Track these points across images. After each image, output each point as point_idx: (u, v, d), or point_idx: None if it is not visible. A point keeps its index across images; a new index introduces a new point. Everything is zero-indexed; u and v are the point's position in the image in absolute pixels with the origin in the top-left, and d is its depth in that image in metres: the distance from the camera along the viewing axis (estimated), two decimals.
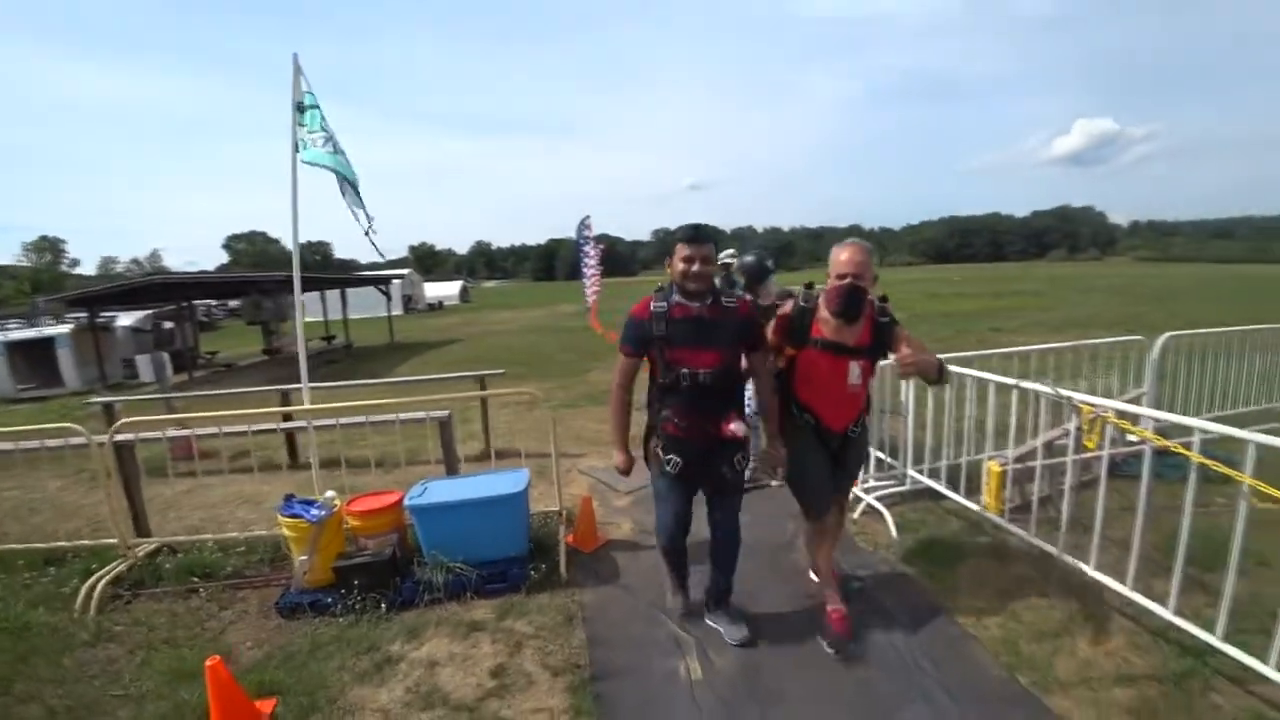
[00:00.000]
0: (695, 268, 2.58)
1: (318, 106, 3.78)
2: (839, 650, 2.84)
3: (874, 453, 4.53)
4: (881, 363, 3.15)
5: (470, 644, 2.97)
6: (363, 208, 3.90)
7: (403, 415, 4.28)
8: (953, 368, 3.90)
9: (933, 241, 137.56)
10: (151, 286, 13.76)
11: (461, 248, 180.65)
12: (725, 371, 2.67)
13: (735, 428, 2.65)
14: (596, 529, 4.06)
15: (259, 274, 18.14)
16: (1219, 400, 5.82)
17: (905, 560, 3.68)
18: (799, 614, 3.18)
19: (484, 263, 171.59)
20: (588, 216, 21.14)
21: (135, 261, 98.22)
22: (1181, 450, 2.76)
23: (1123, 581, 2.95)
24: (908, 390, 4.44)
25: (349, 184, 3.84)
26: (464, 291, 50.54)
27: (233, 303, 31.84)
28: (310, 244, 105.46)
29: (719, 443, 2.72)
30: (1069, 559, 3.27)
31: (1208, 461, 2.56)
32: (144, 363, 12.96)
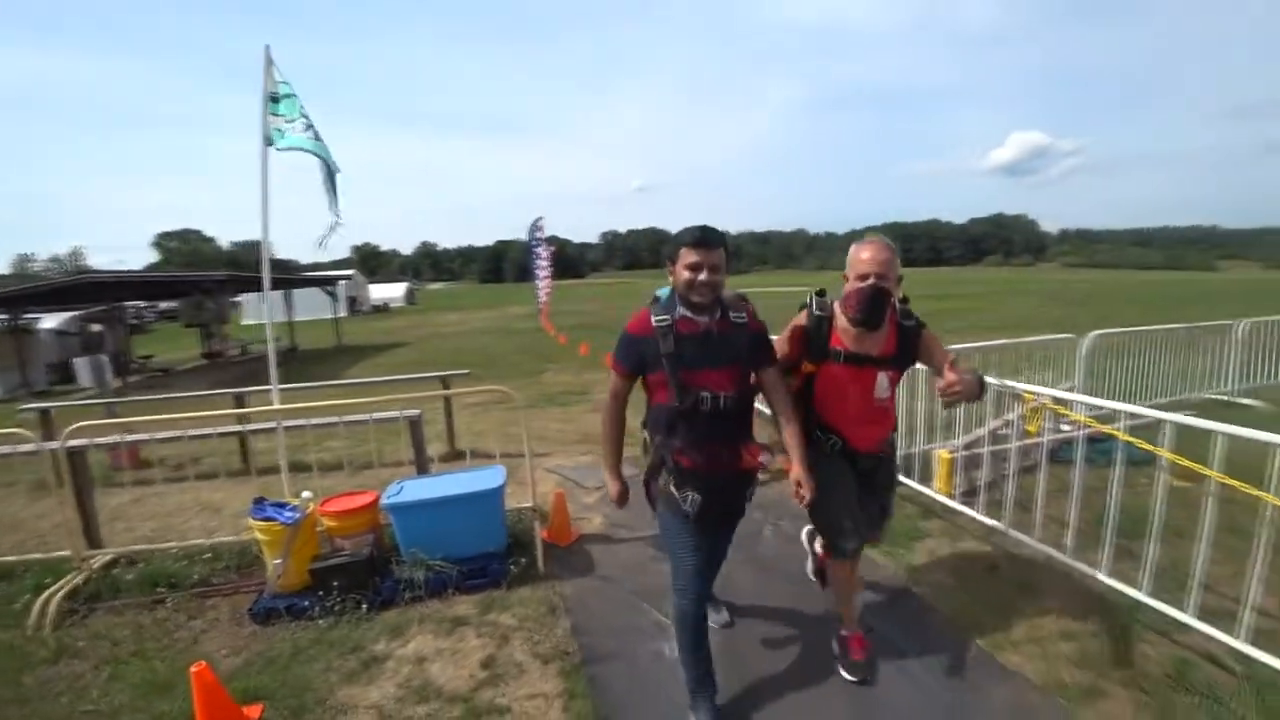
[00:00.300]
0: (703, 276, 2.19)
1: (295, 95, 3.75)
2: (864, 677, 2.69)
3: None
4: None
5: (456, 639, 3.02)
6: (337, 202, 3.87)
7: (375, 415, 4.28)
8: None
9: None
10: (80, 286, 13.06)
11: (406, 249, 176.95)
12: (744, 394, 2.35)
13: (764, 459, 2.32)
14: (570, 524, 4.15)
15: (200, 274, 17.43)
16: (1140, 392, 6.37)
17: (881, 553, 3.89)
18: (776, 597, 3.36)
19: (430, 264, 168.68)
20: (540, 218, 21.06)
21: (55, 260, 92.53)
22: (1112, 432, 3.14)
23: (1062, 552, 3.32)
24: None
25: (329, 173, 3.80)
26: (410, 293, 49.55)
27: (164, 304, 30.44)
28: (248, 243, 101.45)
29: (737, 475, 2.38)
30: (1015, 534, 3.62)
31: (1134, 440, 2.98)
32: (83, 366, 12.32)
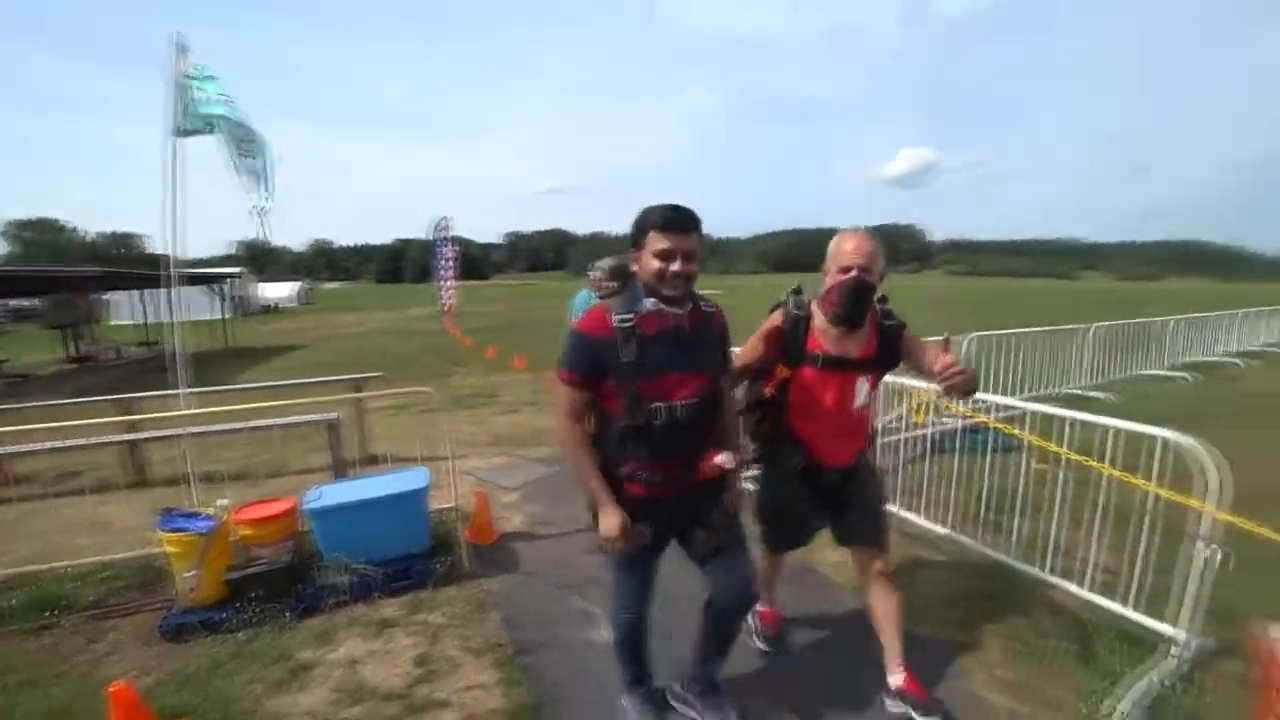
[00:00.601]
0: (676, 266, 1.90)
1: (216, 78, 3.63)
2: (773, 649, 2.90)
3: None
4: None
5: (386, 640, 3.04)
6: (265, 179, 3.71)
7: (292, 419, 4.17)
8: None
9: (776, 251, 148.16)
10: None
11: (299, 245, 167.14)
12: (707, 401, 2.07)
13: (722, 459, 2.07)
14: (492, 523, 4.21)
15: (71, 269, 15.74)
16: (1013, 386, 7.15)
17: None
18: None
19: (324, 263, 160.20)
20: (446, 217, 20.62)
21: None
22: (987, 421, 3.66)
23: (945, 527, 3.84)
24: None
25: (250, 149, 3.66)
26: (304, 293, 47.01)
27: (15, 302, 27.46)
28: (115, 236, 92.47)
29: (700, 485, 2.13)
30: (904, 514, 4.12)
31: (1003, 427, 3.52)
32: None
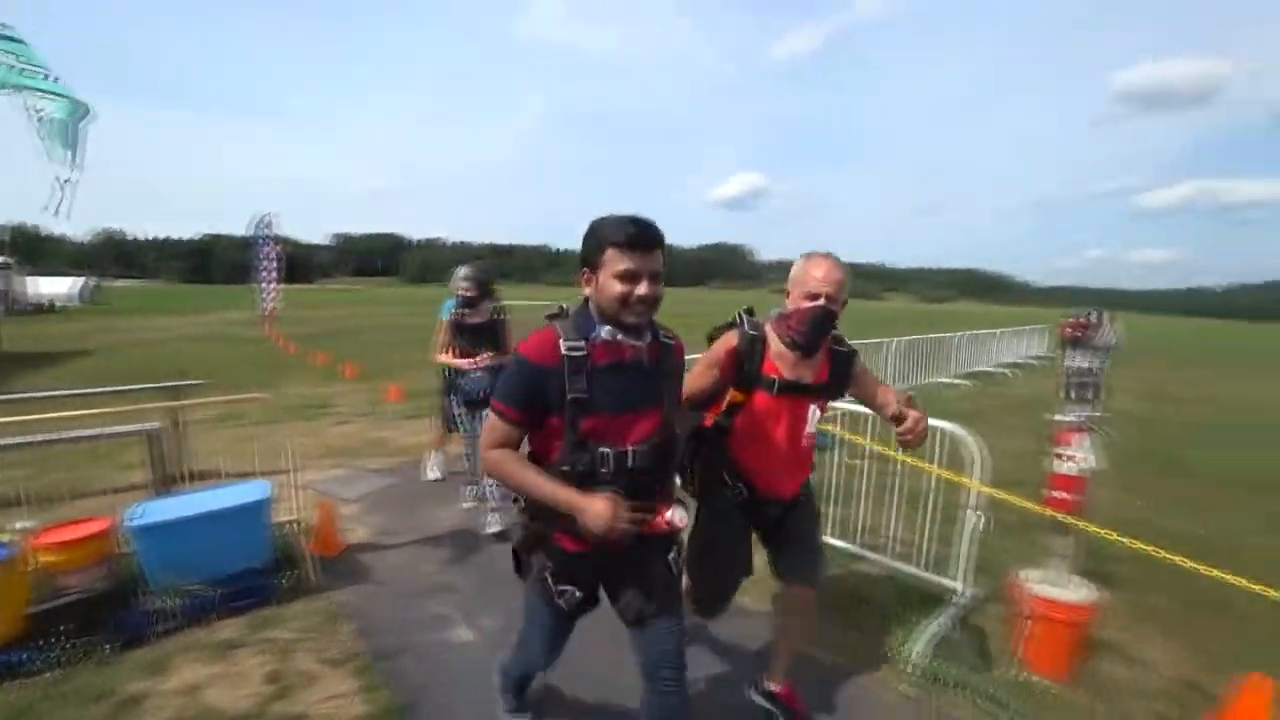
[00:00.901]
0: (642, 289, 1.67)
1: (23, 41, 3.22)
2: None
3: None
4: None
5: (230, 662, 2.86)
6: (72, 150, 3.30)
7: (103, 430, 3.75)
8: None
9: None
10: None
11: (82, 235, 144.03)
12: (663, 444, 1.84)
13: (673, 516, 1.81)
14: (337, 534, 4.08)
15: None
16: None
17: None
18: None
19: (115, 256, 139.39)
20: (269, 213, 18.87)
21: None
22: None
23: None
24: None
25: (59, 107, 3.26)
26: (88, 290, 40.58)
27: None
28: None
29: (643, 540, 1.82)
30: None
31: (821, 428, 4.20)
32: None
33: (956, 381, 11.62)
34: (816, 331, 2.12)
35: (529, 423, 1.76)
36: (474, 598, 3.53)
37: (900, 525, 3.79)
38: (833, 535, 4.02)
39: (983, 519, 3.26)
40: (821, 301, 2.08)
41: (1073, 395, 2.93)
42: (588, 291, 1.76)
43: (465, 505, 4.73)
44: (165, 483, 3.99)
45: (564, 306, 1.83)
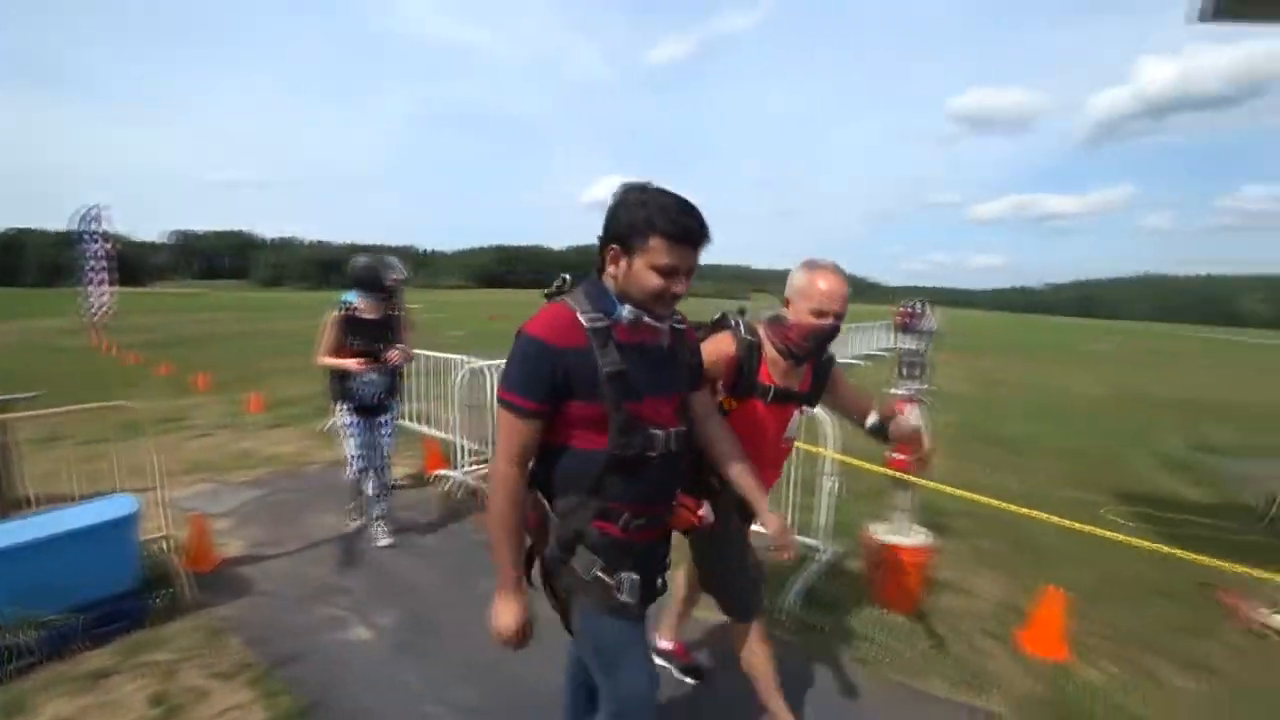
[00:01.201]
0: (679, 287, 1.55)
1: None
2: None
3: (465, 443, 5.34)
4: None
5: (103, 691, 2.67)
6: None
7: None
8: None
9: (482, 267, 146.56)
10: None
11: None
12: (690, 429, 1.74)
13: (705, 510, 1.86)
14: (211, 549, 3.87)
15: None
16: None
17: None
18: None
19: None
20: (97, 205, 16.48)
21: None
22: None
23: None
24: (491, 384, 5.36)
25: None
26: None
27: None
28: None
29: (665, 540, 1.82)
30: None
31: None
32: None
33: None
34: (821, 347, 2.14)
35: (546, 415, 1.54)
36: (367, 598, 3.52)
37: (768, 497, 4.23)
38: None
39: (837, 484, 3.77)
40: (830, 320, 2.06)
41: (904, 372, 3.48)
42: (612, 270, 1.57)
43: (350, 525, 4.47)
44: (3, 507, 3.57)
45: (566, 278, 1.67)
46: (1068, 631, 3.19)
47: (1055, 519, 3.38)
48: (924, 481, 3.54)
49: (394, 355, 3.91)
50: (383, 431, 4.12)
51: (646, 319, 1.57)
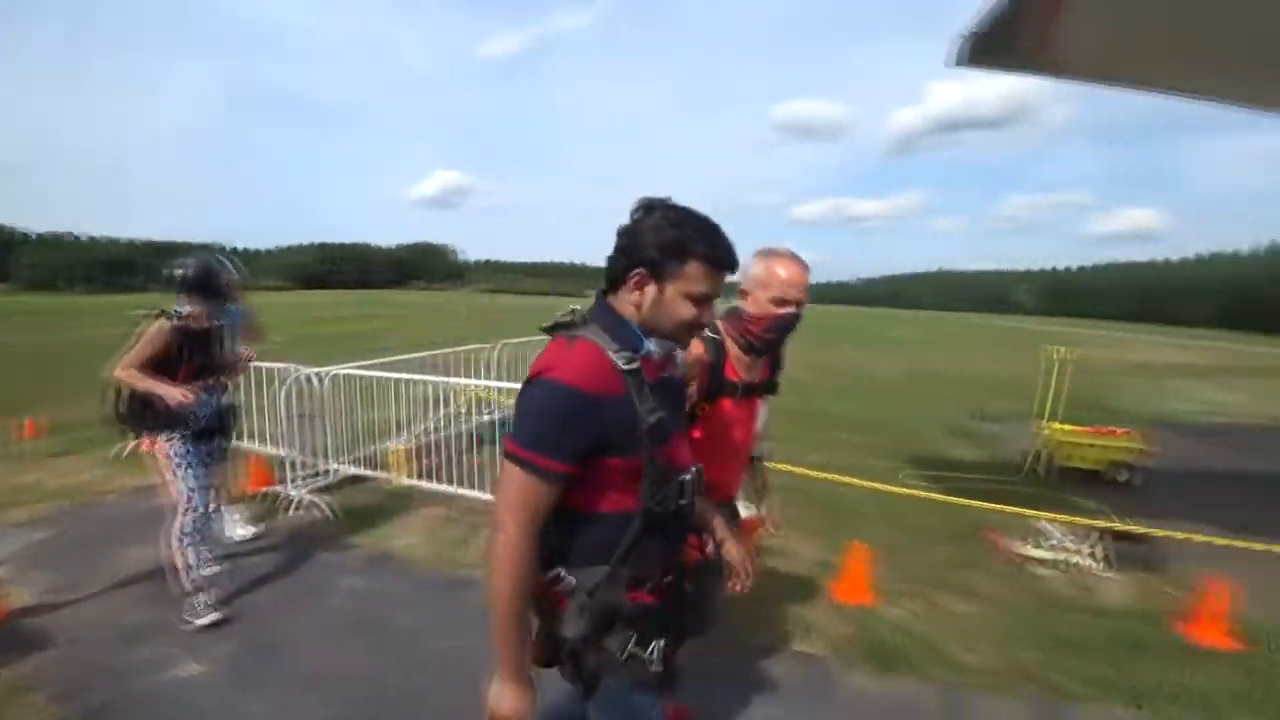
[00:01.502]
0: (706, 316, 1.45)
1: None
2: None
3: (296, 456, 5.15)
4: None
5: None
6: None
7: None
8: (360, 372, 5.43)
9: (303, 266, 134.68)
10: None
11: None
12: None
13: (711, 547, 1.80)
14: None
15: None
16: None
17: (353, 533, 4.54)
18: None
19: None
20: None
21: None
22: None
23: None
24: (321, 392, 5.21)
25: None
26: None
27: None
28: None
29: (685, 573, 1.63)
30: (463, 491, 4.97)
31: None
32: None
33: None
34: (784, 337, 2.04)
35: (571, 477, 1.35)
36: (196, 631, 3.31)
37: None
38: None
39: None
40: (793, 309, 1.97)
41: None
42: (635, 297, 1.40)
43: (205, 572, 3.67)
44: None
45: (575, 311, 1.48)
46: (872, 579, 3.76)
47: (861, 483, 3.97)
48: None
49: (246, 355, 3.81)
50: (217, 458, 3.67)
51: (661, 351, 1.46)
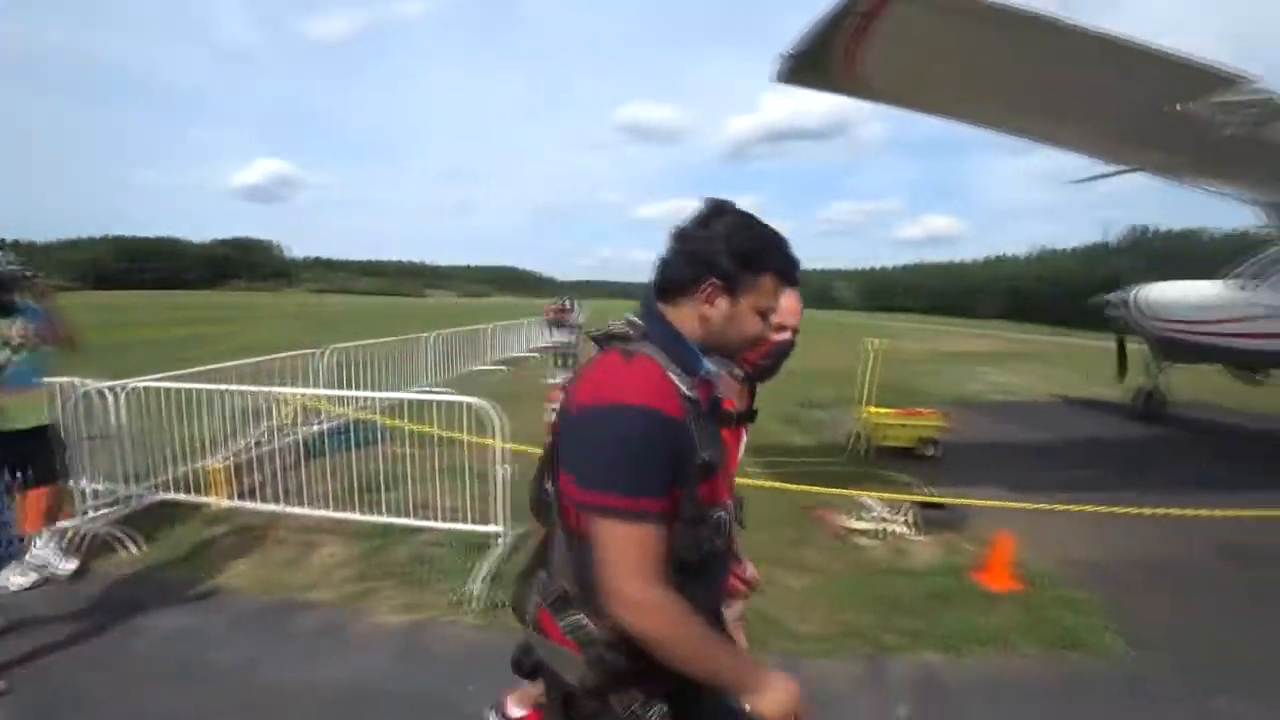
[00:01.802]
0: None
1: None
2: None
3: (87, 484, 4.42)
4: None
5: None
6: None
7: None
8: (165, 385, 4.79)
9: (95, 262, 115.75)
10: None
11: None
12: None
13: (753, 570, 1.71)
14: None
15: None
16: (373, 390, 8.11)
17: (166, 567, 3.99)
18: None
19: None
20: None
21: None
22: (361, 415, 4.44)
23: (332, 510, 4.39)
24: (117, 410, 4.51)
25: None
26: None
27: None
28: None
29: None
30: (289, 509, 4.46)
31: (370, 417, 4.35)
32: None
33: (494, 368, 12.86)
34: (780, 364, 2.00)
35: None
36: None
37: (447, 494, 4.31)
38: (391, 514, 4.34)
39: (509, 470, 4.00)
40: (789, 335, 1.93)
41: (558, 363, 3.89)
42: (704, 310, 1.25)
43: None
44: None
45: (633, 320, 1.29)
46: None
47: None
48: None
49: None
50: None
51: (718, 373, 1.34)
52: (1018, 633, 3.41)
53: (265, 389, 4.95)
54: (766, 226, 1.27)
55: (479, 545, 4.04)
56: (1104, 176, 6.37)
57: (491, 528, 4.06)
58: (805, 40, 3.53)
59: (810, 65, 3.76)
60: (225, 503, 4.66)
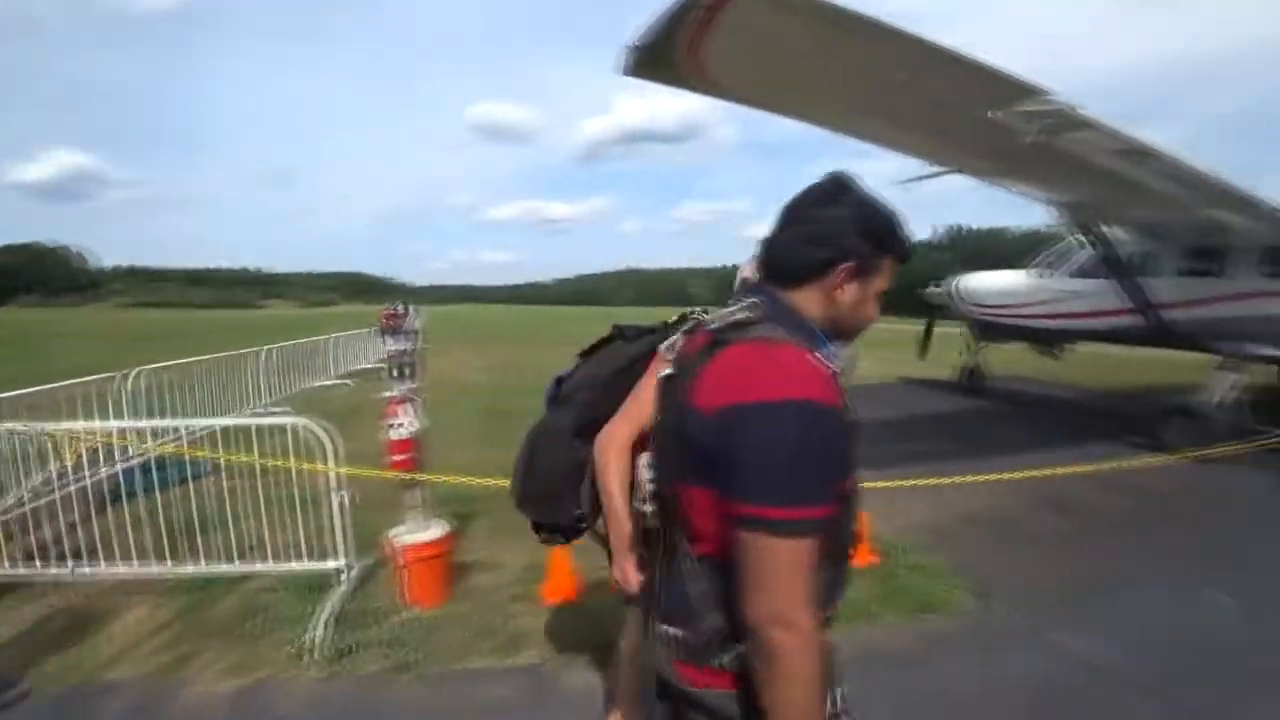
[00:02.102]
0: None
1: None
2: None
3: None
4: None
5: None
6: None
7: None
8: None
9: None
10: None
11: None
12: None
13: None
14: None
15: None
16: (196, 414, 7.02)
17: None
18: None
19: None
20: None
21: None
22: (178, 450, 3.78)
23: (149, 563, 3.70)
24: None
25: None
26: None
27: None
28: None
29: None
30: (88, 571, 3.69)
31: (194, 452, 3.75)
32: None
33: (339, 382, 11.77)
34: None
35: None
36: None
37: (279, 532, 3.77)
38: (212, 562, 3.74)
39: (346, 497, 3.59)
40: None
41: (395, 373, 3.51)
42: (837, 294, 1.16)
43: None
44: None
45: (759, 303, 1.16)
46: (575, 575, 3.65)
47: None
48: (427, 476, 3.68)
49: None
50: None
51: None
52: (878, 603, 3.58)
53: (39, 426, 3.93)
54: (887, 205, 1.19)
55: (319, 585, 3.59)
56: (928, 177, 6.89)
57: (331, 563, 3.61)
58: (650, 32, 3.47)
59: (656, 58, 3.71)
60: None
